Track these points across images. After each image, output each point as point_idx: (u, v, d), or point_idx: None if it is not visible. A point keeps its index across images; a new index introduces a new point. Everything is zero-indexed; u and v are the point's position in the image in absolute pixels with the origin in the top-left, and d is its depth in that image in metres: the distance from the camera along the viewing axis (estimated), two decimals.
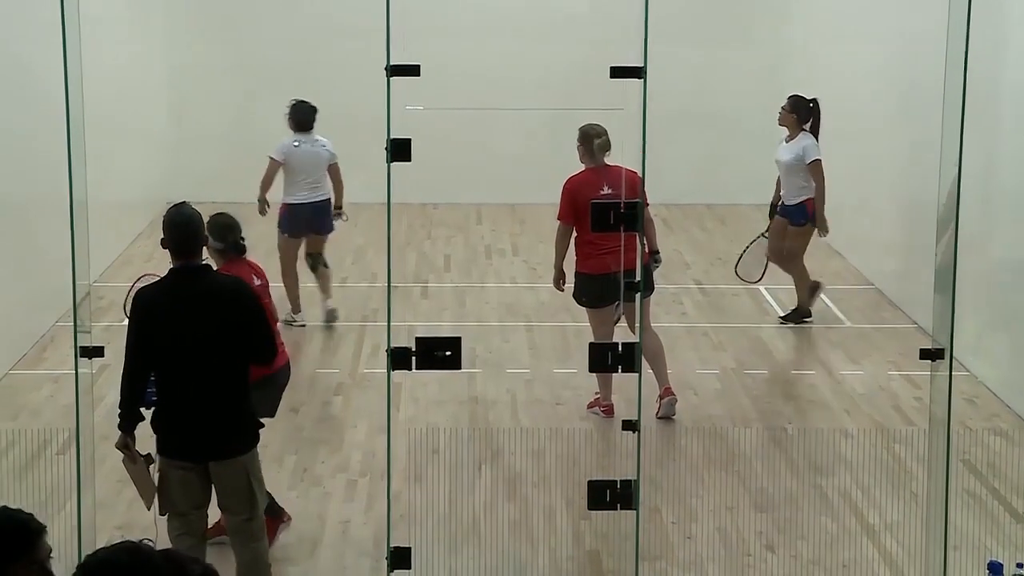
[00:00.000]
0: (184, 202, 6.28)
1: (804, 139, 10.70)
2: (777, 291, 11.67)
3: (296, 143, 10.51)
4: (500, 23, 14.39)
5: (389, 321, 6.38)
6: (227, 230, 7.09)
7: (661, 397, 8.79)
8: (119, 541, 3.45)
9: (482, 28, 14.40)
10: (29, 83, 9.71)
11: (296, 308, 10.70)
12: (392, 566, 6.47)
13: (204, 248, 6.24)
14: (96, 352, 6.26)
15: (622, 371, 6.38)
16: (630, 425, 6.43)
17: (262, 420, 6.31)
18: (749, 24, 15.03)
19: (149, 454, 6.22)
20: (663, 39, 6.33)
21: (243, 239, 7.20)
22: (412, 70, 6.07)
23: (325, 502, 7.66)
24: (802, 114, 10.76)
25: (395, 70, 6.07)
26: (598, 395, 8.92)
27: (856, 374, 9.79)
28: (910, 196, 11.24)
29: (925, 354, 6.61)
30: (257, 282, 7.05)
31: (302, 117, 10.59)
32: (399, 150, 6.13)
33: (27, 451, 7.97)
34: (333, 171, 10.64)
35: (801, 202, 10.78)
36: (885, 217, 12.01)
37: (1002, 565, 6.26)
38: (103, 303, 10.22)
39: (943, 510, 6.60)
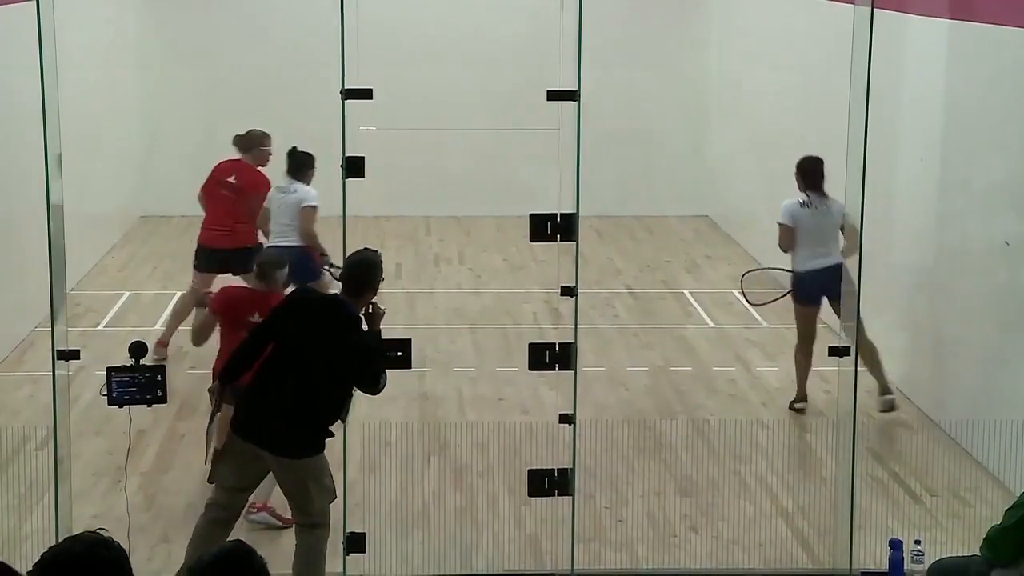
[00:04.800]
0: (366, 249, 6.17)
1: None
2: (701, 295, 11.71)
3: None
4: (446, 49, 14.34)
5: None
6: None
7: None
8: (76, 534, 3.33)
9: (430, 54, 14.35)
10: (13, 105, 9.56)
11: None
12: (348, 550, 6.45)
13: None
14: (72, 355, 6.18)
15: (559, 369, 6.40)
16: (566, 418, 6.44)
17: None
18: (672, 50, 15.07)
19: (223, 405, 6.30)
20: (595, 64, 6.32)
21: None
22: (365, 93, 6.06)
23: None
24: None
25: (349, 93, 6.06)
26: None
27: (771, 370, 9.84)
28: None
29: (833, 351, 6.68)
30: None
31: None
32: (353, 167, 6.13)
33: (7, 447, 7.84)
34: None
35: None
36: None
37: (902, 542, 6.36)
38: (79, 309, 10.09)
39: (850, 493, 6.66)
